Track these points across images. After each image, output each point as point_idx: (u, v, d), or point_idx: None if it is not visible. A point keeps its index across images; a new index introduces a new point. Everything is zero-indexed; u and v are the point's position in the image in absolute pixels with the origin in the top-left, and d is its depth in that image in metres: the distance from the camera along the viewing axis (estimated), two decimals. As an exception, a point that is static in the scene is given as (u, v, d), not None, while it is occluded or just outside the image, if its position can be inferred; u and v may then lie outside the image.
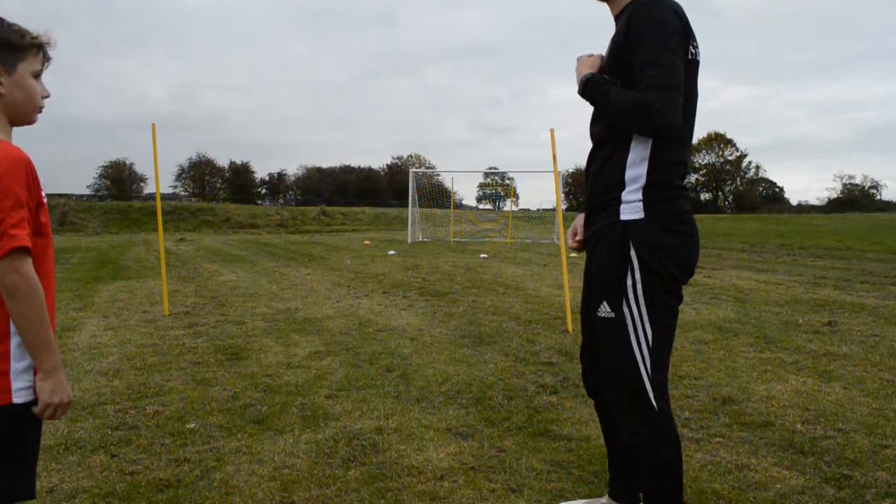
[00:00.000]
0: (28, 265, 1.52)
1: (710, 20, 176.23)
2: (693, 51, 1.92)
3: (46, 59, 1.69)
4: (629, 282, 1.94)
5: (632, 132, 1.94)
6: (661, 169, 1.93)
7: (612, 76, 1.97)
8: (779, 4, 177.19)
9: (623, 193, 1.96)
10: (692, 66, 1.94)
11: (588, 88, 1.99)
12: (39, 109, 1.70)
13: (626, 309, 1.95)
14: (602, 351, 2.05)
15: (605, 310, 1.99)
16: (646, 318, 1.93)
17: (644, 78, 1.82)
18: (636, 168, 1.94)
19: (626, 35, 1.90)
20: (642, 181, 1.93)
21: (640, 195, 1.93)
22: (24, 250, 1.51)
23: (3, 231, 1.48)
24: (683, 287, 2.07)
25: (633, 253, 1.92)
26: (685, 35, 1.89)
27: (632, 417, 1.98)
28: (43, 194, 1.62)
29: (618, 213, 1.96)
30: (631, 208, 1.94)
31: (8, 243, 1.48)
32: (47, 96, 1.71)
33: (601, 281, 2.02)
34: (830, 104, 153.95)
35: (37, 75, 1.67)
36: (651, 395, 1.94)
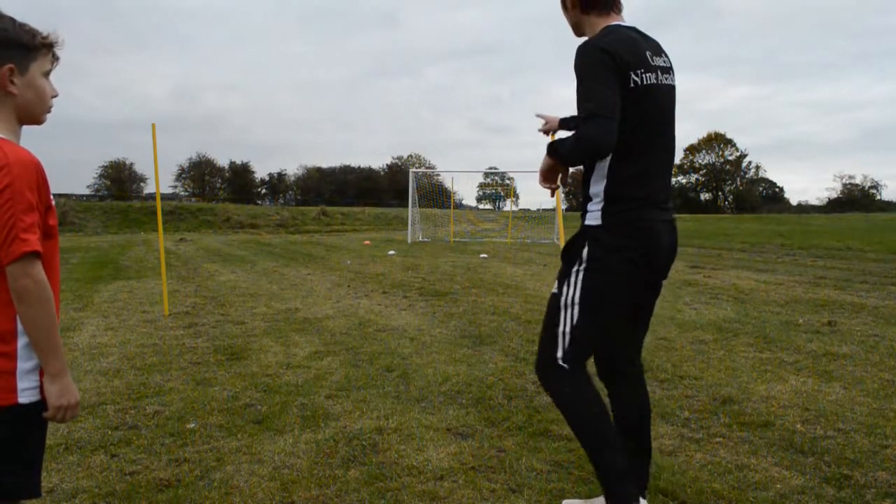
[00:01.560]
0: (39, 269, 1.53)
1: (711, 20, 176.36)
2: (637, 78, 2.18)
3: (55, 58, 1.69)
4: (574, 268, 2.30)
5: (588, 164, 2.31)
6: (618, 184, 2.25)
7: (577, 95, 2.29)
8: (780, 4, 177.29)
9: (589, 205, 2.33)
10: (641, 91, 2.19)
11: (551, 152, 2.27)
12: (48, 109, 1.71)
13: (564, 289, 2.32)
14: (543, 321, 2.44)
15: (554, 288, 2.40)
16: (576, 302, 2.27)
17: (579, 111, 2.13)
18: (597, 185, 2.29)
19: (574, 71, 2.23)
20: (601, 195, 2.27)
21: (600, 206, 2.27)
22: (36, 255, 1.51)
23: (15, 235, 1.48)
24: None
25: (585, 251, 2.28)
26: (619, 68, 2.14)
27: (542, 376, 2.39)
28: (51, 197, 1.62)
29: (584, 220, 2.34)
30: (592, 216, 2.30)
31: (20, 247, 1.48)
32: (56, 95, 1.71)
33: (561, 268, 2.39)
34: (831, 104, 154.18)
35: (46, 75, 1.67)
36: (559, 358, 2.31)
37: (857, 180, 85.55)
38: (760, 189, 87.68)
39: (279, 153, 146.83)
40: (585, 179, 2.37)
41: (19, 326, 1.55)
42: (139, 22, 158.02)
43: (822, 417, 3.64)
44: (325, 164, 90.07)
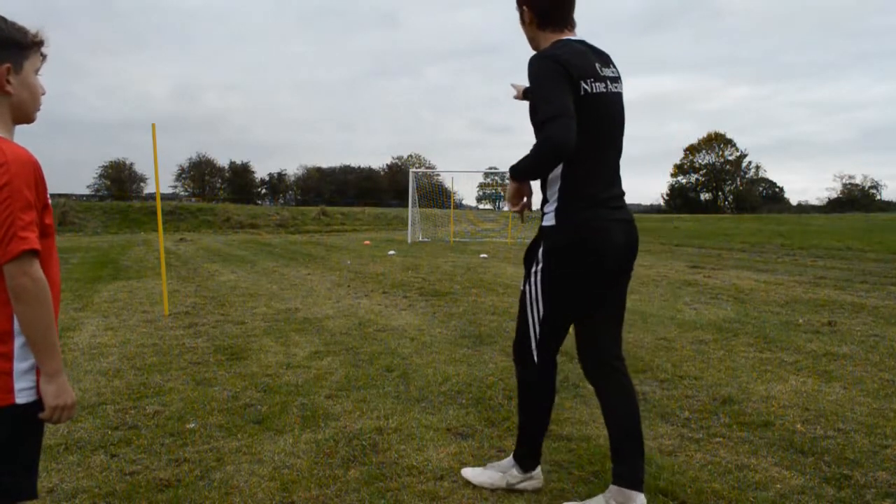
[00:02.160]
0: (37, 268, 1.52)
1: (713, 21, 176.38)
2: (587, 87, 2.35)
3: (43, 56, 1.70)
4: (533, 268, 2.52)
5: (551, 171, 2.42)
6: (571, 186, 2.41)
7: (532, 107, 2.44)
8: (780, 4, 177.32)
9: (545, 207, 2.51)
10: (591, 99, 2.35)
11: (512, 173, 2.41)
12: (39, 107, 1.71)
13: (527, 288, 2.56)
14: (518, 315, 2.67)
15: (521, 286, 2.63)
16: (539, 297, 2.51)
17: (539, 114, 2.27)
18: (552, 187, 2.47)
19: (529, 80, 2.40)
20: (556, 196, 2.45)
21: (554, 208, 2.45)
22: (34, 253, 1.51)
23: (14, 234, 1.48)
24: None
25: (541, 250, 2.48)
26: (570, 76, 2.31)
27: (520, 364, 2.66)
28: (48, 196, 1.62)
29: (542, 221, 2.52)
30: (548, 218, 2.48)
31: (18, 246, 1.48)
32: (44, 93, 1.72)
33: (524, 265, 2.60)
34: (831, 104, 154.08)
35: (37, 73, 1.68)
36: (534, 352, 2.58)
37: (857, 180, 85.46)
38: (760, 189, 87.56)
39: (279, 153, 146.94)
40: (542, 183, 2.54)
41: (16, 327, 1.55)
42: (139, 22, 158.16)
43: (822, 417, 3.64)
44: (325, 164, 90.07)
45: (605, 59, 2.50)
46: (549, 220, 2.46)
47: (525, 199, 2.55)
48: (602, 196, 2.43)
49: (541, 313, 2.52)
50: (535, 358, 2.58)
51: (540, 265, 2.48)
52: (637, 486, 2.46)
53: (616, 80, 2.49)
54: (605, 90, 2.41)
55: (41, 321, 1.53)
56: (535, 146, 2.27)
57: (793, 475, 2.89)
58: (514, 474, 2.75)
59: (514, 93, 2.94)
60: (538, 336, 2.55)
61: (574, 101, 2.27)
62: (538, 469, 2.77)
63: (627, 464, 2.50)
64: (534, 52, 2.45)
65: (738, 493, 2.71)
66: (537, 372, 2.61)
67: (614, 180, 2.51)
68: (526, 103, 2.73)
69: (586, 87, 2.34)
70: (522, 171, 2.36)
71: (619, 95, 2.50)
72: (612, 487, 2.51)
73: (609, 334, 2.63)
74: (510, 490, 2.76)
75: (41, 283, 1.52)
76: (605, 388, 2.61)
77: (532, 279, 2.52)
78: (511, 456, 2.82)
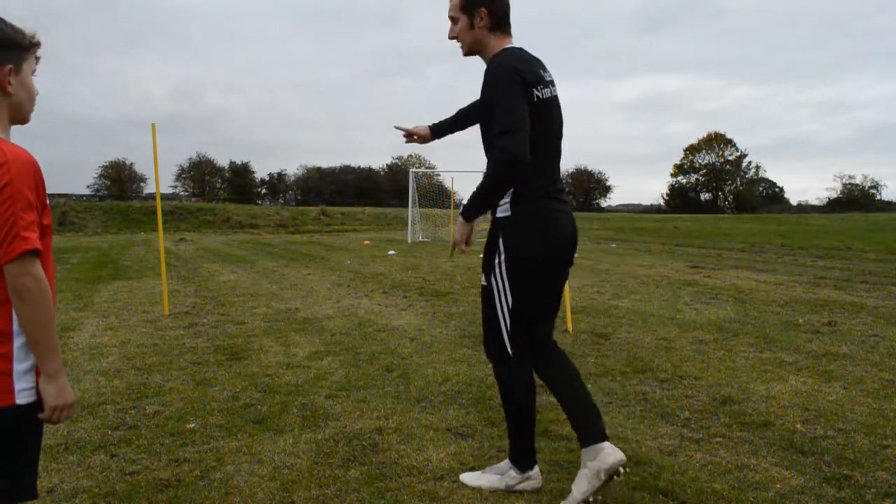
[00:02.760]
0: (39, 267, 1.53)
1: (713, 21, 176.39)
2: (538, 93, 2.51)
3: (38, 58, 1.70)
4: (496, 260, 2.61)
5: (507, 190, 2.51)
6: (524, 181, 2.50)
7: (483, 114, 2.61)
8: (780, 4, 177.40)
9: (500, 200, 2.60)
10: (542, 104, 2.53)
11: (466, 211, 2.57)
12: (34, 108, 1.72)
13: (493, 280, 2.63)
14: (482, 312, 2.73)
15: (483, 281, 2.69)
16: (507, 288, 2.59)
17: (495, 124, 2.41)
18: None
19: (484, 89, 2.54)
20: (511, 191, 2.55)
21: (509, 199, 2.56)
22: (36, 253, 1.52)
23: (16, 234, 1.48)
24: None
25: (500, 240, 2.59)
26: (526, 84, 2.46)
27: (495, 361, 2.72)
28: (46, 196, 1.63)
29: (496, 213, 2.63)
30: (503, 209, 2.59)
31: (20, 245, 1.48)
32: (37, 94, 1.73)
33: (483, 261, 2.69)
34: (831, 104, 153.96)
35: (32, 74, 1.69)
36: (507, 345, 2.64)
37: (857, 180, 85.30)
38: (760, 189, 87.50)
39: (279, 153, 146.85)
40: None
41: (15, 327, 1.55)
42: (139, 22, 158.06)
43: (822, 417, 3.64)
44: (325, 164, 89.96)
45: (543, 65, 2.67)
46: (505, 212, 2.58)
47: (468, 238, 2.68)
48: (550, 189, 2.62)
49: (510, 303, 2.60)
50: (510, 351, 2.64)
51: (503, 255, 2.58)
52: (599, 438, 2.57)
53: (553, 83, 2.67)
54: (550, 95, 2.60)
55: (43, 321, 1.53)
56: (491, 160, 2.43)
57: (793, 475, 2.89)
58: (513, 475, 2.75)
59: (402, 135, 3.10)
60: (510, 328, 2.62)
61: (529, 108, 2.44)
62: (536, 469, 2.78)
63: (587, 425, 2.61)
64: (467, 55, 2.69)
65: (738, 493, 2.71)
66: (514, 366, 2.66)
67: (558, 175, 2.71)
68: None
69: (538, 93, 2.52)
70: (479, 205, 2.51)
71: (558, 99, 2.69)
72: (582, 451, 2.60)
73: (553, 317, 2.87)
74: (510, 490, 2.76)
75: (43, 283, 1.53)
76: (550, 364, 2.77)
77: (497, 270, 2.60)
78: (507, 458, 2.83)
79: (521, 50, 2.64)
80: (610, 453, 2.51)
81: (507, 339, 2.64)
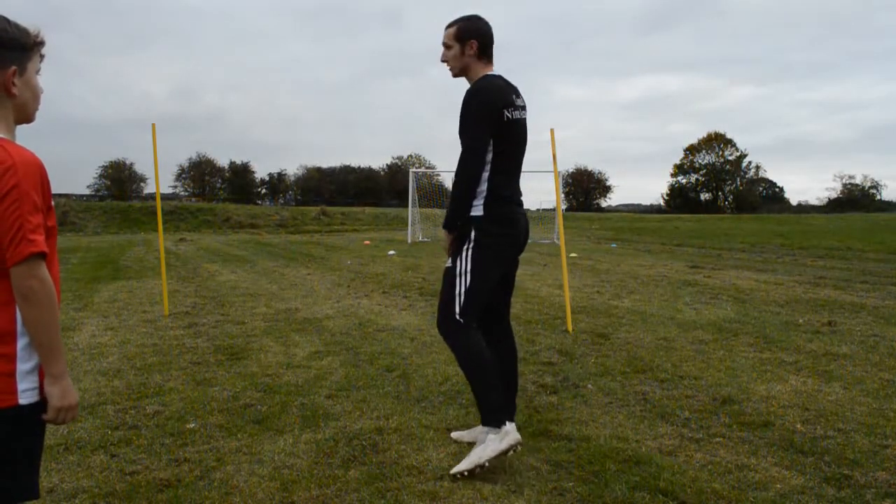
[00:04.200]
0: (45, 270, 1.53)
1: (714, 21, 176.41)
2: (508, 114, 2.99)
3: (42, 57, 1.70)
4: (466, 246, 3.04)
5: (473, 194, 3.02)
6: (494, 188, 3.02)
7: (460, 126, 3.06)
8: (782, 4, 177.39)
9: (475, 201, 3.02)
10: (511, 123, 3.02)
11: (450, 227, 3.07)
12: (38, 108, 1.72)
13: (458, 262, 3.05)
14: (441, 291, 3.15)
15: (448, 263, 3.12)
16: (468, 270, 3.02)
17: (461, 139, 2.96)
18: (481, 186, 3.02)
19: (461, 107, 3.00)
20: (484, 194, 3.02)
21: (481, 202, 3.02)
22: (42, 255, 1.52)
23: (23, 236, 1.48)
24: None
25: (472, 230, 3.03)
26: (497, 108, 2.95)
27: (449, 334, 3.08)
28: (51, 197, 1.63)
29: (471, 213, 3.03)
30: (476, 209, 3.03)
31: (27, 248, 1.48)
32: (42, 93, 1.73)
33: (451, 247, 3.10)
34: (832, 104, 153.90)
35: (37, 73, 1.68)
36: (458, 316, 3.01)
37: (858, 180, 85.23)
38: (760, 189, 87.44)
39: (279, 153, 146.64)
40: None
41: (19, 327, 1.55)
42: (139, 22, 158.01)
43: (822, 417, 3.64)
44: (325, 164, 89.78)
45: (517, 92, 3.14)
46: (478, 212, 3.02)
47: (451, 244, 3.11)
48: (514, 197, 3.14)
49: (467, 283, 3.02)
50: (460, 319, 3.00)
51: (471, 244, 3.02)
52: (511, 417, 3.08)
53: (524, 108, 3.15)
54: (519, 117, 3.08)
55: (48, 323, 1.53)
56: (457, 186, 2.98)
57: (793, 475, 2.89)
58: (492, 438, 2.91)
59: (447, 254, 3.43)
60: (462, 304, 3.02)
61: (499, 127, 2.96)
62: (511, 424, 2.96)
63: (507, 402, 3.10)
64: (456, 77, 3.14)
65: (738, 493, 2.71)
66: (464, 330, 3.00)
67: (517, 185, 3.21)
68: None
69: (508, 114, 2.99)
70: (457, 214, 3.00)
71: (525, 121, 3.18)
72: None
73: (505, 302, 3.32)
74: (510, 490, 2.76)
75: (48, 285, 1.53)
76: (493, 339, 3.20)
77: (464, 255, 3.03)
78: (481, 424, 3.03)
79: (499, 77, 3.10)
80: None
81: (458, 313, 3.01)
